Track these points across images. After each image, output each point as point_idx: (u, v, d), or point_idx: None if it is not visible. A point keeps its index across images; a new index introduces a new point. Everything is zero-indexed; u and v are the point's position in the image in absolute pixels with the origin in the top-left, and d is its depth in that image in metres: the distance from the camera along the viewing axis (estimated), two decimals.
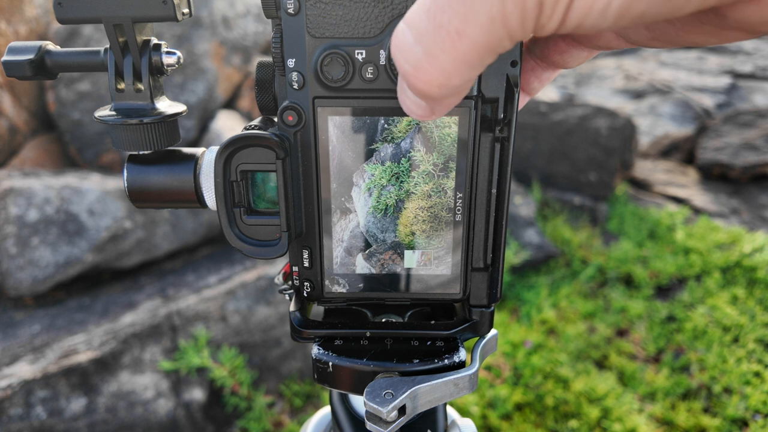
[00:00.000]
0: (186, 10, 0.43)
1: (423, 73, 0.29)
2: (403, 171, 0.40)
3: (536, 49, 0.42)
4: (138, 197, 0.47)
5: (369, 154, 0.39)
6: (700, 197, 3.56)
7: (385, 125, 0.38)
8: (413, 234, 0.41)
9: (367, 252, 0.41)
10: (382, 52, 0.39)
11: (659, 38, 0.32)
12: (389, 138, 0.39)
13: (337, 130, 0.38)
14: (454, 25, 0.26)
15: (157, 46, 0.45)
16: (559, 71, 0.43)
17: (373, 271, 0.45)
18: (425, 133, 0.37)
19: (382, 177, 0.40)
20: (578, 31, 0.28)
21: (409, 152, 0.39)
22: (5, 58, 0.43)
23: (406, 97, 0.33)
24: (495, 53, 0.28)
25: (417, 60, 0.28)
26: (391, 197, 0.42)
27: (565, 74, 5.47)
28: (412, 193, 0.41)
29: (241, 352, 1.99)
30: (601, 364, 2.27)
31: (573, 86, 5.20)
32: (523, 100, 0.45)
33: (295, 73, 0.40)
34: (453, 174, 0.39)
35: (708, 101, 4.67)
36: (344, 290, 0.48)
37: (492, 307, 0.48)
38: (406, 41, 0.28)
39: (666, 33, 0.31)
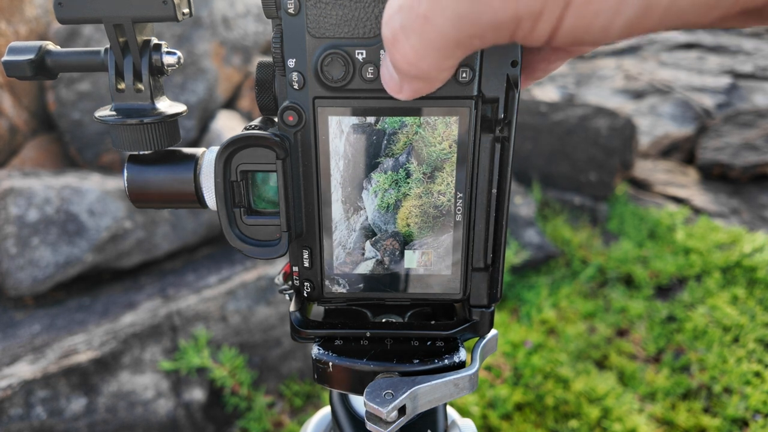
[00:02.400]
0: (186, 10, 0.43)
1: (398, 45, 0.29)
2: (400, 178, 0.44)
3: None
4: (138, 197, 0.47)
5: (375, 166, 0.43)
6: (700, 197, 3.56)
7: (388, 144, 0.43)
8: (408, 225, 0.45)
9: (373, 239, 0.46)
10: (382, 52, 0.39)
11: (694, 24, 0.28)
12: (390, 153, 0.43)
13: (346, 142, 0.43)
14: (423, 10, 0.26)
15: (158, 46, 0.45)
16: (571, 58, 0.43)
17: (378, 256, 0.47)
18: (417, 150, 0.43)
19: (385, 183, 0.44)
20: (580, 45, 0.27)
21: (405, 164, 0.43)
22: (5, 58, 0.43)
23: (384, 66, 0.35)
24: (465, 49, 0.28)
25: (395, 30, 0.29)
26: (391, 198, 0.44)
27: (566, 74, 5.47)
28: (407, 194, 0.44)
29: (241, 352, 1.99)
30: (601, 364, 2.27)
31: (573, 86, 5.20)
32: (525, 85, 0.45)
33: (296, 73, 0.40)
34: (438, 179, 0.44)
35: (708, 101, 4.67)
36: (344, 290, 0.48)
37: (492, 307, 0.48)
38: (392, 8, 0.29)
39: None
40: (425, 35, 0.27)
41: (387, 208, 0.45)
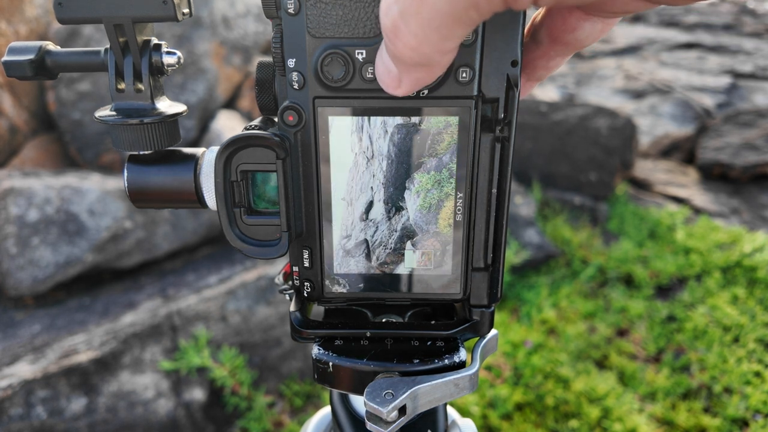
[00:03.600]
0: (186, 10, 0.43)
1: (399, 33, 0.29)
2: (444, 178, 0.43)
3: (546, 30, 0.40)
4: (138, 197, 0.47)
5: (419, 166, 0.43)
6: (700, 197, 3.56)
7: (432, 144, 0.42)
8: (450, 226, 0.45)
9: (414, 240, 0.45)
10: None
11: None
12: (434, 153, 0.43)
13: (389, 142, 0.43)
14: None
15: (158, 46, 0.45)
16: (572, 54, 0.42)
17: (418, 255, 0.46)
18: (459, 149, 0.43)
19: (428, 183, 0.44)
20: (561, 4, 0.28)
21: (449, 164, 0.43)
22: (6, 58, 0.43)
23: (380, 61, 0.34)
24: (464, 24, 0.28)
25: (394, 19, 0.29)
26: (434, 198, 0.44)
27: (566, 74, 5.47)
28: (449, 194, 0.44)
29: (241, 352, 1.99)
30: (602, 364, 2.27)
31: (573, 86, 5.20)
32: (528, 88, 0.45)
33: (296, 73, 0.40)
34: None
35: (708, 101, 4.67)
36: (344, 290, 0.48)
37: (492, 307, 0.48)
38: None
39: None
40: (423, 16, 0.28)
41: (429, 208, 0.45)
